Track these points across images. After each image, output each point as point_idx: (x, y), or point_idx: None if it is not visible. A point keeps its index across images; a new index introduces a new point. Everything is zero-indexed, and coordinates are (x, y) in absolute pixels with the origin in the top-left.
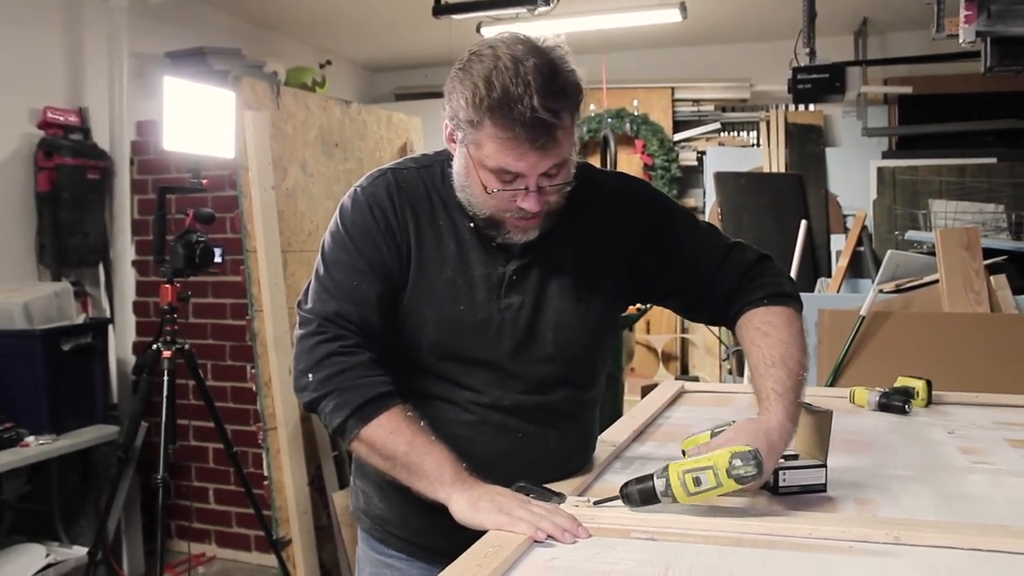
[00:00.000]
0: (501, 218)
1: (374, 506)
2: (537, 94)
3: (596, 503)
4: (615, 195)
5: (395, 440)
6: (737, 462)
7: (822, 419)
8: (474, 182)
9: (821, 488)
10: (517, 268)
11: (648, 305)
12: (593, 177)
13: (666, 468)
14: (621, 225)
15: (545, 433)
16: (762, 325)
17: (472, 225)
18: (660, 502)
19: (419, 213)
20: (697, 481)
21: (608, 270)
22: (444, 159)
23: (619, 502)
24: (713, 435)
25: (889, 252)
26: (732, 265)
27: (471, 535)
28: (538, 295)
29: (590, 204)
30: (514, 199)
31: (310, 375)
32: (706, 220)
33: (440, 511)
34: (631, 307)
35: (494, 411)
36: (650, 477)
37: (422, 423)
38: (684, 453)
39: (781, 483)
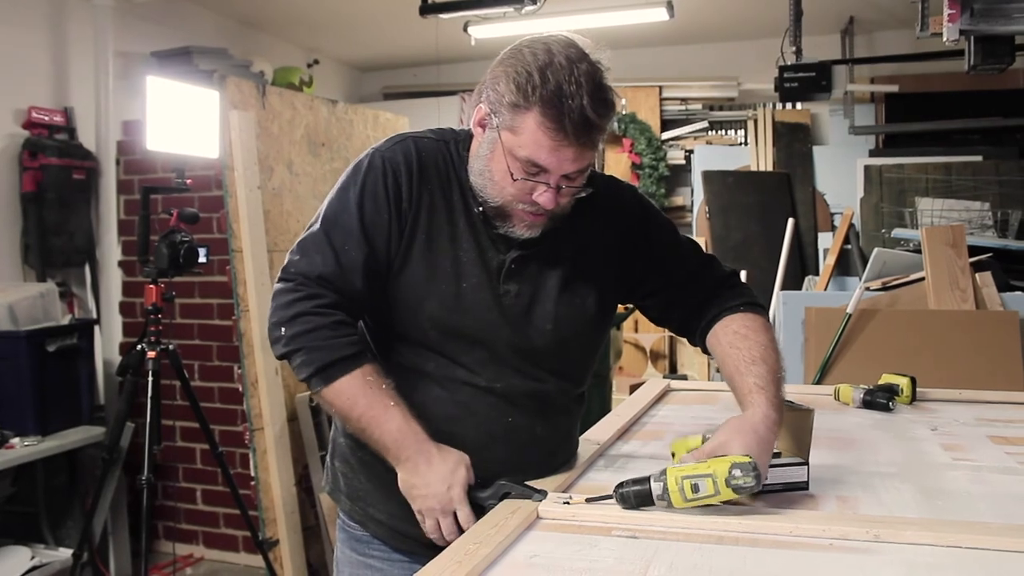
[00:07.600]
0: (511, 210)
1: (354, 486)
2: (588, 96)
3: (589, 500)
4: (606, 195)
5: (352, 406)
6: (737, 472)
7: (804, 417)
8: (498, 168)
9: (803, 486)
10: (516, 258)
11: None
12: (590, 178)
13: (664, 472)
14: (610, 223)
15: (533, 422)
16: (740, 329)
17: (479, 210)
18: (655, 505)
19: (435, 185)
20: (695, 488)
21: (601, 266)
22: (461, 139)
23: (612, 501)
24: (705, 439)
25: (876, 250)
26: (709, 274)
27: None
28: (536, 286)
29: (586, 204)
30: (531, 192)
31: (282, 329)
32: (693, 219)
33: None
34: (620, 306)
35: (487, 393)
36: (647, 480)
37: (384, 386)
38: (673, 455)
39: (763, 481)
